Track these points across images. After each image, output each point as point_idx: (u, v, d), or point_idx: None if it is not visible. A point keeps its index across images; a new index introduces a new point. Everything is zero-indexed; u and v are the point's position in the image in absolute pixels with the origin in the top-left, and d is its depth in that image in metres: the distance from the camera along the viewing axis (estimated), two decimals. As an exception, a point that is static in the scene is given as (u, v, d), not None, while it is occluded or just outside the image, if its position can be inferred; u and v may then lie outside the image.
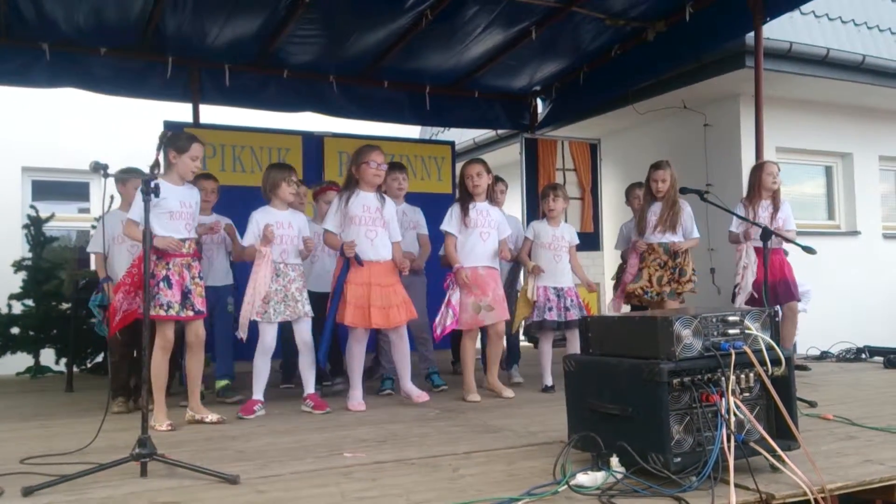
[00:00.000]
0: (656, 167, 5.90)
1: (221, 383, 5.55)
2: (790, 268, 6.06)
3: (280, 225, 4.87)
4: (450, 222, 5.35)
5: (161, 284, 4.30)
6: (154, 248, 4.25)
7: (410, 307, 5.05)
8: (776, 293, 5.85)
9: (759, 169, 6.15)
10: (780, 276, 5.93)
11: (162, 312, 4.29)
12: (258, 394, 4.81)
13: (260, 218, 4.89)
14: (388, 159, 5.27)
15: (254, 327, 4.84)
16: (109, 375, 5.10)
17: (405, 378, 5.15)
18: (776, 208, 6.03)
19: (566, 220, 6.20)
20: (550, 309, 5.53)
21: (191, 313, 4.41)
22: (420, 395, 5.06)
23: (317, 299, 5.26)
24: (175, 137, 4.50)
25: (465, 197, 5.40)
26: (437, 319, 5.22)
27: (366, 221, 4.97)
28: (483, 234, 5.33)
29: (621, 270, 6.45)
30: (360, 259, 4.86)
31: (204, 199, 5.52)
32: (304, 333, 4.89)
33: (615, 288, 6.26)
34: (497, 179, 6.20)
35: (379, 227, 5.00)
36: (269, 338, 4.81)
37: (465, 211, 5.32)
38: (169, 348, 4.44)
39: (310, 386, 4.95)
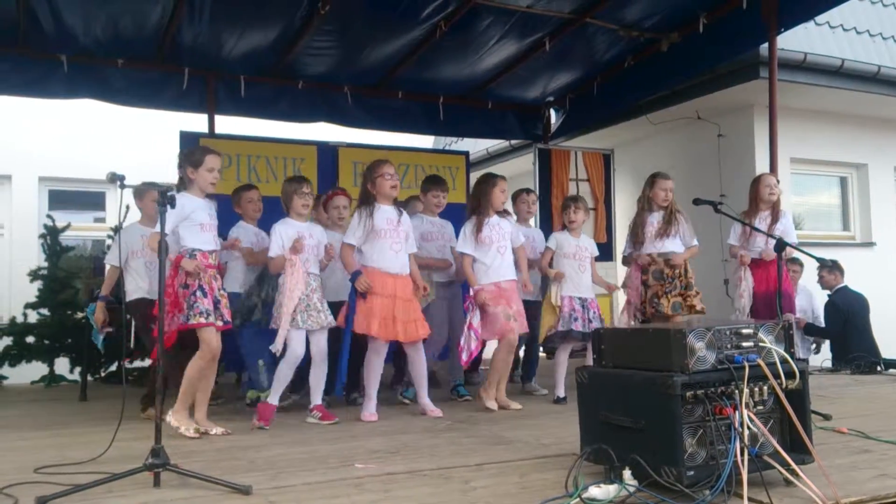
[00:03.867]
0: (664, 177, 5.84)
1: (255, 394, 5.56)
2: (789, 281, 5.98)
3: (302, 236, 4.90)
4: (465, 242, 5.32)
5: (197, 293, 4.32)
6: (182, 269, 4.29)
7: (425, 323, 5.11)
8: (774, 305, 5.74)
9: (757, 181, 6.06)
10: (776, 288, 5.81)
11: (202, 320, 4.30)
12: (275, 398, 4.79)
13: (282, 230, 4.92)
14: (401, 171, 5.29)
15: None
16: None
17: (423, 392, 5.17)
18: (774, 219, 5.90)
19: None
20: (576, 319, 5.53)
21: (220, 323, 4.43)
22: (434, 410, 5.07)
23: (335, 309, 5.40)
24: (189, 153, 4.57)
25: (482, 212, 5.34)
26: (462, 343, 5.22)
27: (390, 234, 5.02)
28: (500, 248, 5.33)
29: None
30: (364, 295, 4.91)
31: (254, 209, 5.76)
32: (321, 344, 4.90)
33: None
34: (528, 191, 6.21)
35: (402, 239, 5.07)
36: (297, 345, 4.78)
37: (479, 228, 5.29)
38: (217, 356, 4.45)
39: (317, 397, 4.95)
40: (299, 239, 4.79)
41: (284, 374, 4.81)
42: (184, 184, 4.51)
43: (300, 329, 4.78)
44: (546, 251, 5.84)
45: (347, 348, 4.99)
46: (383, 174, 5.03)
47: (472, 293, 5.26)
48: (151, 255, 5.20)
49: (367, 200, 5.08)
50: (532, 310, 5.76)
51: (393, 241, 5.02)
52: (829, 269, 7.96)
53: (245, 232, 5.69)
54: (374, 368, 5.06)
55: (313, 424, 4.79)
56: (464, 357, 5.24)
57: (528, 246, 6.04)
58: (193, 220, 4.39)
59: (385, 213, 5.05)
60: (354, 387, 5.75)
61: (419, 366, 5.14)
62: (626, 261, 6.01)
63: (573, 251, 5.70)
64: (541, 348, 6.42)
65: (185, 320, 4.30)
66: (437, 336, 5.67)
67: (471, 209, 5.46)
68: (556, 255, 5.74)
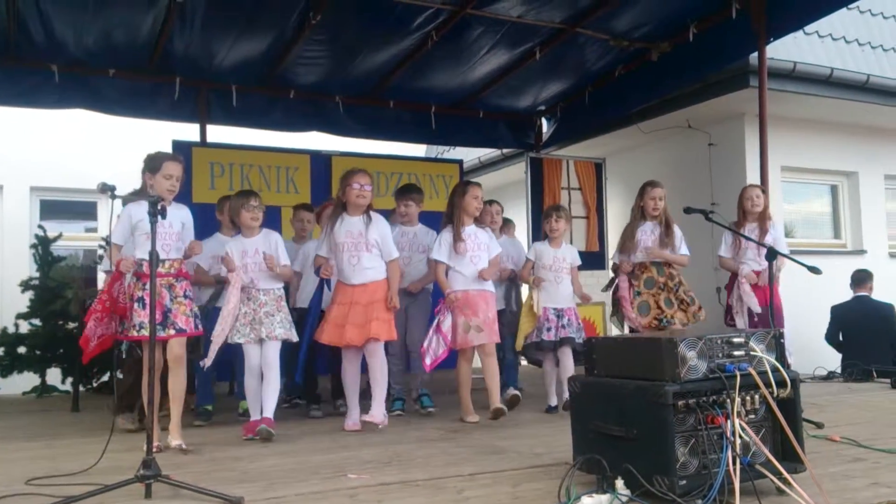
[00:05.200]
0: (653, 185, 5.84)
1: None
2: (778, 295, 5.98)
3: (245, 253, 4.85)
4: (439, 251, 5.30)
5: (136, 305, 4.27)
6: (119, 270, 4.27)
7: (390, 327, 4.97)
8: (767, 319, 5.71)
9: (740, 194, 6.09)
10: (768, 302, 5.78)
11: (134, 333, 4.27)
12: (256, 413, 4.79)
13: (230, 247, 4.89)
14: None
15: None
16: (117, 393, 5.06)
17: (378, 397, 4.96)
18: (763, 231, 5.89)
19: (571, 240, 6.19)
20: (549, 329, 5.54)
21: (172, 332, 4.33)
22: (382, 421, 4.89)
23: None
24: (150, 159, 4.45)
25: (457, 220, 5.31)
26: (426, 346, 5.16)
27: (349, 247, 5.01)
28: (473, 258, 5.30)
29: (613, 286, 6.05)
30: (329, 285, 5.07)
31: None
32: (268, 356, 4.78)
33: (614, 306, 6.08)
34: (492, 202, 6.22)
35: (363, 251, 5.00)
36: (251, 357, 4.78)
37: (455, 237, 5.26)
38: (155, 368, 4.41)
39: (267, 410, 4.75)
40: (225, 256, 4.79)
41: (249, 387, 4.84)
42: (144, 190, 4.42)
43: (236, 343, 4.77)
44: (526, 262, 5.88)
45: (304, 349, 5.02)
46: (351, 184, 5.03)
47: (445, 298, 5.26)
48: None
49: (335, 211, 5.14)
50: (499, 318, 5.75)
51: (350, 255, 5.00)
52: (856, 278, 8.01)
53: (217, 243, 5.47)
54: (349, 376, 5.07)
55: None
56: (427, 361, 5.15)
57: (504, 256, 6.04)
58: (141, 230, 4.30)
59: (347, 225, 5.04)
60: (340, 394, 5.73)
61: (374, 370, 4.98)
62: (615, 269, 6.01)
63: (550, 262, 5.71)
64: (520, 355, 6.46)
65: (120, 331, 4.35)
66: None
67: (446, 218, 5.43)
68: (536, 265, 5.77)
